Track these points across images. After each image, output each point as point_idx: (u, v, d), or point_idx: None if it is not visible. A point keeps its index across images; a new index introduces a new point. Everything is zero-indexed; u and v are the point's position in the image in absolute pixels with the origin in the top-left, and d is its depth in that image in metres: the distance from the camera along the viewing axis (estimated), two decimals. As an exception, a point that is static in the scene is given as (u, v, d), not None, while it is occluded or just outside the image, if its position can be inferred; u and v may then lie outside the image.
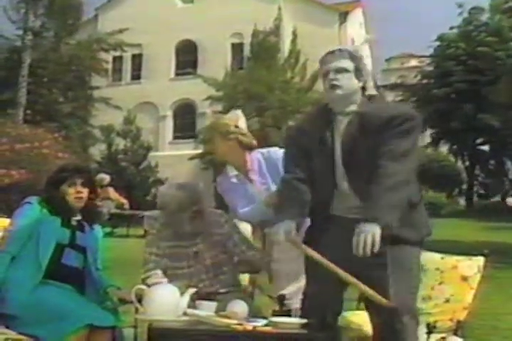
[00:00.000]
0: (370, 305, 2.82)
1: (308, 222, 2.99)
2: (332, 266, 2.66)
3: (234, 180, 3.64)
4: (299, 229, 2.82)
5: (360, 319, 3.41)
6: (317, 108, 3.06)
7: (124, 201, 13.99)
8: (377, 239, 2.54)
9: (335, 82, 2.83)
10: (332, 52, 2.90)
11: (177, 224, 3.33)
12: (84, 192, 3.31)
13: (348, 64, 2.86)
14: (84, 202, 3.34)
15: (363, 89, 2.91)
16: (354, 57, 2.89)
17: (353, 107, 2.87)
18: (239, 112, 3.74)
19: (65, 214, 3.25)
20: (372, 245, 2.53)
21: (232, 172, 3.67)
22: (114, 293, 3.21)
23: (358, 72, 2.88)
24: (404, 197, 2.67)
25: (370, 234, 2.53)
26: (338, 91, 2.83)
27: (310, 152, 2.90)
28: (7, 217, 3.42)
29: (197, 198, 3.34)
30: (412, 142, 2.76)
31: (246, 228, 3.84)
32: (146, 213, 3.77)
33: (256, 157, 3.64)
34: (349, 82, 2.85)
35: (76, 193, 3.28)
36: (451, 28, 28.67)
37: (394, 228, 2.61)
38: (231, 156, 3.65)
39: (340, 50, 2.92)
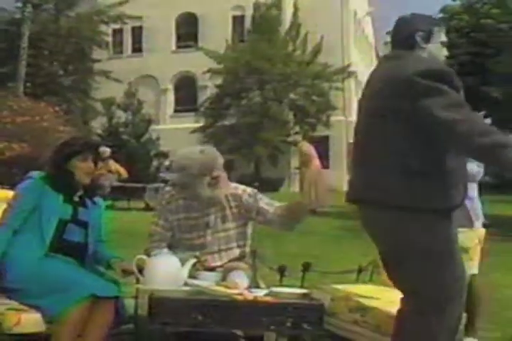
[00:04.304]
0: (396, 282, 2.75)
1: None
2: None
3: None
4: None
5: (360, 290, 3.46)
6: None
7: (124, 171, 13.93)
8: None
9: None
10: None
11: (197, 186, 3.21)
12: (93, 168, 3.31)
13: None
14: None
15: None
16: None
17: None
18: None
19: (69, 191, 3.23)
20: None
21: None
22: (117, 264, 3.23)
23: None
24: None
25: None
26: None
27: None
28: (9, 189, 3.43)
29: (217, 163, 3.25)
30: None
31: None
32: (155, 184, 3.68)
33: None
34: None
35: (88, 168, 3.27)
36: (455, -1, 28.45)
37: None
38: None
39: None
